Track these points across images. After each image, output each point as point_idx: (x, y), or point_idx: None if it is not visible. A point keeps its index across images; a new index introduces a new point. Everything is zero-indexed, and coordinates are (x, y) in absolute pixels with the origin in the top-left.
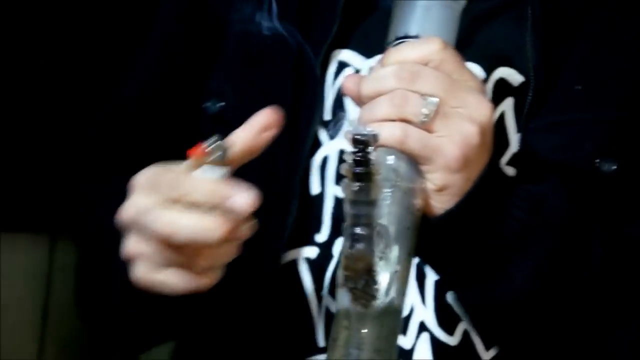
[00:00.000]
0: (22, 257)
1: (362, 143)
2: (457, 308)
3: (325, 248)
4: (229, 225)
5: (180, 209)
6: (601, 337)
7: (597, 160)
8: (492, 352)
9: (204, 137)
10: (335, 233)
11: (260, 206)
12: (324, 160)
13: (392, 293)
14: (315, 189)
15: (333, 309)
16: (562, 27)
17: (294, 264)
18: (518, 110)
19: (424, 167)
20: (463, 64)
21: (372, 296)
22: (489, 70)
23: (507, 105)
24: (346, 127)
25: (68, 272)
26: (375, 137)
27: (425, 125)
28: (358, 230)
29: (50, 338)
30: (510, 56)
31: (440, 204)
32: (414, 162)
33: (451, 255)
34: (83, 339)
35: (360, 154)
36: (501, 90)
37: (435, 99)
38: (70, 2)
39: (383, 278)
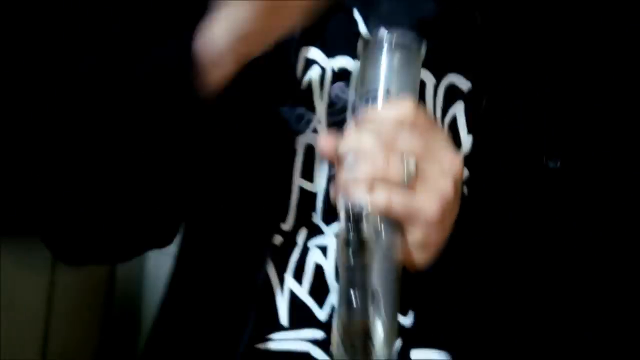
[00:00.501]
0: (24, 262)
1: (355, 218)
2: None
3: (290, 237)
4: None
5: None
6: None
7: (544, 158)
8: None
9: None
10: (298, 223)
11: (249, 191)
12: (292, 153)
13: (384, 343)
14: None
15: (296, 291)
16: (508, 37)
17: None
18: (468, 113)
19: (406, 225)
20: (432, 121)
21: (369, 353)
22: (439, 76)
23: (458, 108)
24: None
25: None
26: (366, 215)
27: (406, 186)
28: (353, 294)
29: (53, 343)
30: (459, 62)
31: (422, 256)
32: (394, 221)
33: (434, 302)
34: (86, 343)
35: (353, 226)
36: (452, 94)
37: (414, 160)
38: None
39: (378, 335)
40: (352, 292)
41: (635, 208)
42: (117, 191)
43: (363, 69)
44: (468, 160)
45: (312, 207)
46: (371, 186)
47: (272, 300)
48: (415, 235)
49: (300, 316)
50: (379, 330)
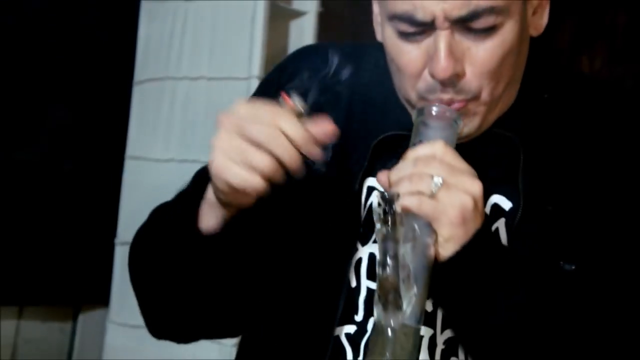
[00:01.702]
0: None
1: (388, 199)
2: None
3: (361, 326)
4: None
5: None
6: None
7: (561, 263)
8: None
9: None
10: (367, 315)
11: (317, 295)
12: (359, 261)
13: (412, 311)
14: (353, 282)
15: None
16: (544, 161)
17: (338, 337)
18: (507, 226)
19: (434, 225)
20: (459, 157)
21: (399, 307)
22: (486, 195)
23: (500, 223)
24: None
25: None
26: (397, 195)
27: (433, 196)
28: (387, 260)
29: None
30: (502, 182)
31: (446, 251)
32: (427, 222)
33: (454, 288)
34: None
35: (387, 206)
36: (495, 212)
37: (440, 179)
38: None
39: (405, 296)
40: (386, 258)
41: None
42: (180, 291)
43: (415, 131)
44: None
45: None
46: (408, 195)
47: None
48: (441, 232)
49: None
50: (404, 292)
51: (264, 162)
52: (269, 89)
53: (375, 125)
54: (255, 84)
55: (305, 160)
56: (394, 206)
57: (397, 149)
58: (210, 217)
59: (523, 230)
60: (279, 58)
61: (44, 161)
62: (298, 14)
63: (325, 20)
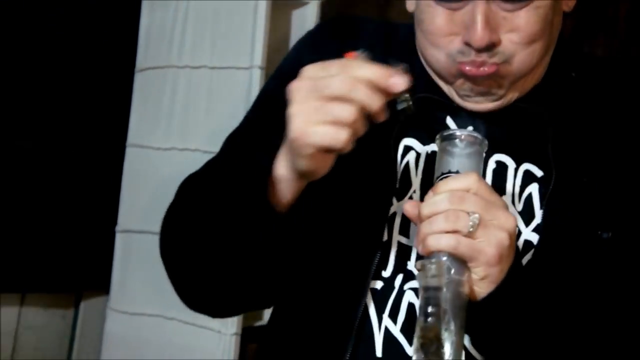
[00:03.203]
0: None
1: (433, 267)
2: None
3: (388, 282)
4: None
5: (350, 78)
6: None
7: (599, 231)
8: None
9: None
10: (396, 270)
11: (353, 249)
12: (392, 216)
13: (453, 356)
14: (384, 236)
15: (391, 329)
16: (570, 133)
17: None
18: (540, 192)
19: (470, 264)
20: (492, 190)
21: (441, 356)
22: (518, 162)
23: (533, 188)
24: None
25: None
26: (440, 262)
27: (470, 234)
28: (430, 309)
29: None
30: (533, 155)
31: (482, 290)
32: (462, 261)
33: (490, 326)
34: None
35: (432, 267)
36: (528, 177)
37: (477, 215)
38: None
39: (447, 345)
40: (428, 307)
41: None
42: (233, 265)
43: (440, 157)
44: (539, 228)
45: (408, 257)
46: (444, 235)
47: (371, 336)
48: (477, 271)
49: (393, 351)
50: (447, 340)
51: (349, 113)
52: (292, 69)
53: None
54: (257, 73)
55: (387, 102)
56: (436, 262)
57: (428, 110)
58: (284, 193)
59: (557, 197)
60: (281, 48)
61: (45, 149)
62: (300, 3)
63: (326, 10)
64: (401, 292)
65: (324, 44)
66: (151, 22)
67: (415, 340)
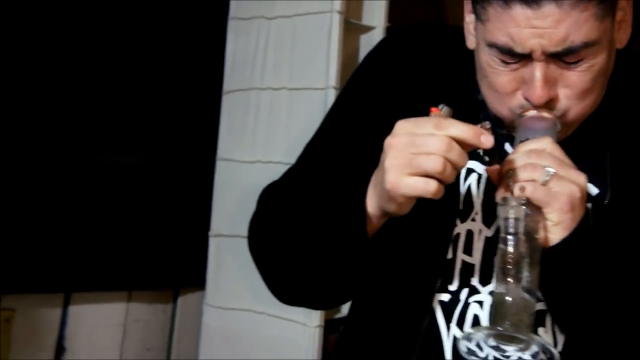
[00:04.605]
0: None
1: (512, 202)
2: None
3: (455, 295)
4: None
5: (446, 138)
6: None
7: None
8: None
9: None
10: (461, 285)
11: (419, 266)
12: (456, 237)
13: (529, 287)
14: (449, 255)
15: (458, 335)
16: (630, 161)
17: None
18: (594, 208)
19: (545, 210)
20: (563, 152)
21: (519, 280)
22: None
23: (588, 206)
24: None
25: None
26: (520, 195)
27: (546, 184)
28: (509, 237)
29: None
30: (589, 173)
31: (555, 235)
32: (538, 208)
33: (561, 270)
34: None
35: (513, 203)
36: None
37: (552, 169)
38: None
39: (524, 271)
40: (508, 235)
41: None
42: (317, 272)
43: (519, 130)
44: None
45: (471, 274)
46: (523, 185)
47: (440, 343)
48: (551, 217)
49: (461, 357)
50: (526, 268)
51: (439, 165)
52: (363, 81)
53: (469, 108)
54: (331, 93)
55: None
56: (520, 204)
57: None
58: (372, 226)
59: (610, 215)
60: (351, 69)
61: (147, 164)
62: (368, 28)
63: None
64: (466, 305)
65: (390, 58)
66: (236, 49)
67: (495, 269)
